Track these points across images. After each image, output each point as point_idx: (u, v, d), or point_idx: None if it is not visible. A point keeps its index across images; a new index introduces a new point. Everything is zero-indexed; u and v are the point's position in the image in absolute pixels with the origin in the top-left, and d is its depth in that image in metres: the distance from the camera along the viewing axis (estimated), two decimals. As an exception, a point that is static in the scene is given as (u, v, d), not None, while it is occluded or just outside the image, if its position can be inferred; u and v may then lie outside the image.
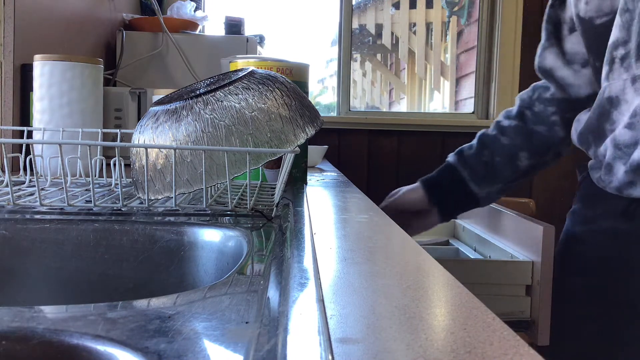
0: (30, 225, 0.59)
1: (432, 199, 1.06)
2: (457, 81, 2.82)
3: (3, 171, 0.74)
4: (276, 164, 0.91)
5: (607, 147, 0.81)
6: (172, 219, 0.61)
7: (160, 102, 0.65)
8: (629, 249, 0.81)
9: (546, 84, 1.02)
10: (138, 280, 0.58)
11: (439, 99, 2.97)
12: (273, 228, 0.58)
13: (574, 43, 0.93)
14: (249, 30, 1.92)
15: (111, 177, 0.82)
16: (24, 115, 1.12)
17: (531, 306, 0.98)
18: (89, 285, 0.58)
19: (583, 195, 0.92)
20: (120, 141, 0.89)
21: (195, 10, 1.83)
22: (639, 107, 0.76)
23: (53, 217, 0.60)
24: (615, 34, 0.78)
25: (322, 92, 3.05)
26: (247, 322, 0.30)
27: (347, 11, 2.55)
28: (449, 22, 2.83)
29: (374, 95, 3.18)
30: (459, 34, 2.80)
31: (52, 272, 0.58)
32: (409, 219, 1.08)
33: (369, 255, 0.49)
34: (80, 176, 0.88)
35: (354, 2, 2.58)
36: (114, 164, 0.72)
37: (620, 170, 0.78)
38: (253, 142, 0.60)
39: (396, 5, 2.95)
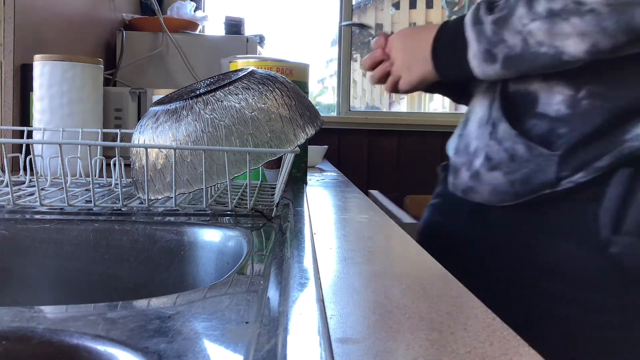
0: (30, 225, 0.59)
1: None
2: (457, 81, 2.81)
3: (3, 171, 0.74)
4: (276, 164, 0.91)
5: (454, 151, 0.88)
6: (172, 219, 0.61)
7: (160, 102, 0.65)
8: (480, 250, 0.84)
9: None
10: (138, 280, 0.58)
11: (439, 99, 2.97)
12: (273, 228, 0.58)
13: None
14: (249, 30, 1.92)
15: (111, 177, 0.82)
16: (24, 115, 1.12)
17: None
18: (89, 285, 0.58)
19: (442, 191, 0.95)
20: (120, 141, 0.89)
21: (195, 10, 1.83)
22: (483, 118, 0.84)
23: (53, 217, 0.60)
24: None
25: (322, 92, 3.05)
26: (247, 322, 0.30)
27: (347, 11, 2.55)
28: (449, 22, 2.83)
29: (374, 95, 3.18)
30: (459, 34, 2.80)
31: (52, 272, 0.58)
32: None
33: (369, 255, 0.49)
34: (80, 176, 0.88)
35: (354, 2, 2.58)
36: (114, 164, 0.72)
37: (465, 175, 0.84)
38: (253, 142, 0.60)
39: (396, 5, 2.95)
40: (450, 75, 0.83)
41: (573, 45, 0.69)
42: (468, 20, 0.77)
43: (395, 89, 0.91)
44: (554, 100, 0.76)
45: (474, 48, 0.76)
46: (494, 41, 0.74)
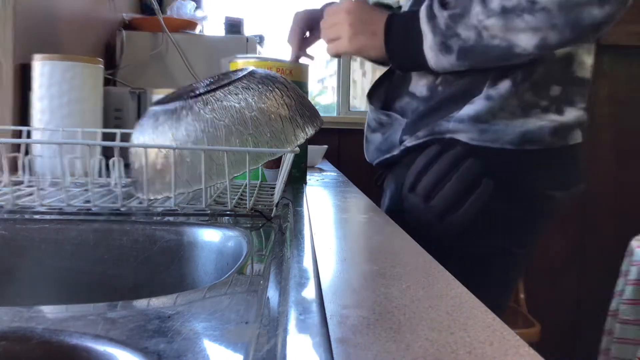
0: (29, 225, 0.59)
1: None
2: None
3: (2, 171, 0.74)
4: (276, 163, 0.91)
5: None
6: (171, 219, 0.61)
7: (160, 102, 0.65)
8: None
9: None
10: (138, 280, 0.58)
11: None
12: (273, 228, 0.58)
13: None
14: (248, 30, 1.92)
15: (110, 177, 0.82)
16: (23, 115, 1.12)
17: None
18: (88, 285, 0.58)
19: None
20: (120, 141, 0.89)
21: (195, 10, 1.83)
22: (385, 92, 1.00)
23: (52, 217, 0.60)
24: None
25: (322, 92, 3.05)
26: (247, 322, 0.30)
27: (347, 11, 2.54)
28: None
29: (374, 95, 3.17)
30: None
31: (51, 272, 0.58)
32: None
33: (369, 255, 0.49)
34: (80, 176, 0.88)
35: (353, 2, 2.57)
36: (114, 164, 0.72)
37: (365, 144, 1.02)
38: (253, 142, 0.60)
39: (396, 5, 2.95)
40: (404, 64, 0.88)
41: (525, 39, 0.76)
42: (423, 14, 0.83)
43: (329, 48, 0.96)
44: (420, 82, 0.90)
45: (429, 40, 0.82)
46: (448, 34, 0.80)
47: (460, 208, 0.82)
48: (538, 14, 0.74)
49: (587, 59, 0.88)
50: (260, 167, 0.82)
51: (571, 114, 0.86)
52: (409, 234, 0.85)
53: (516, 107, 0.83)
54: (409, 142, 0.88)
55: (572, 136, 0.86)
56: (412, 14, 0.85)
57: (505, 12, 0.76)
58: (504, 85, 0.83)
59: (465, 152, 0.83)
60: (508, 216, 0.86)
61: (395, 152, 0.91)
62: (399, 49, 0.86)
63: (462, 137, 0.83)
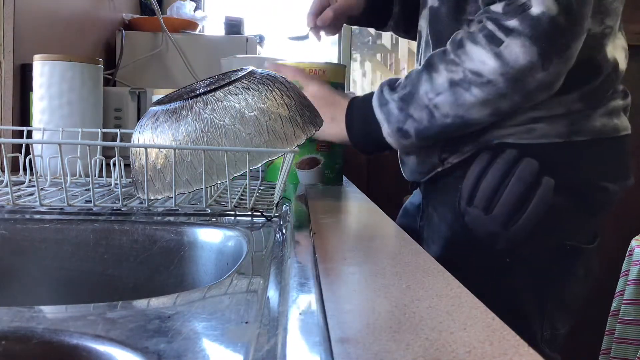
0: (30, 225, 0.59)
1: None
2: (457, 81, 2.81)
3: (3, 171, 0.74)
4: (309, 164, 0.92)
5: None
6: (171, 218, 0.61)
7: (160, 102, 0.65)
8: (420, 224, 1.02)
9: None
10: (138, 280, 0.58)
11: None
12: (273, 228, 0.58)
13: None
14: (248, 30, 1.92)
15: (111, 177, 0.82)
16: (24, 115, 1.12)
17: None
18: (88, 285, 0.58)
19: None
20: (120, 141, 0.89)
21: (195, 10, 1.83)
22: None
23: (53, 217, 0.60)
24: None
25: (322, 92, 3.05)
26: (247, 322, 0.30)
27: (347, 11, 2.54)
28: (448, 22, 2.82)
29: (374, 95, 3.17)
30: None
31: (52, 272, 0.58)
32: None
33: (369, 255, 0.49)
34: (80, 176, 0.88)
35: (353, 2, 2.57)
36: (114, 164, 0.72)
37: (401, 164, 1.02)
38: (253, 142, 0.60)
39: (396, 5, 2.94)
40: (369, 150, 0.90)
41: (477, 112, 0.78)
42: (375, 103, 0.84)
43: None
44: None
45: (386, 129, 0.83)
46: (401, 119, 0.81)
47: (525, 212, 0.80)
48: (485, 87, 0.75)
49: (622, 53, 0.89)
50: (293, 168, 0.82)
51: (616, 103, 0.86)
52: (476, 247, 0.86)
53: (561, 114, 0.82)
54: (453, 159, 0.87)
55: (619, 126, 0.86)
56: (367, 101, 0.86)
57: (453, 86, 0.77)
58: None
59: (518, 154, 0.81)
60: (572, 212, 0.84)
61: (439, 169, 0.90)
62: (360, 138, 0.88)
63: (511, 139, 0.82)
